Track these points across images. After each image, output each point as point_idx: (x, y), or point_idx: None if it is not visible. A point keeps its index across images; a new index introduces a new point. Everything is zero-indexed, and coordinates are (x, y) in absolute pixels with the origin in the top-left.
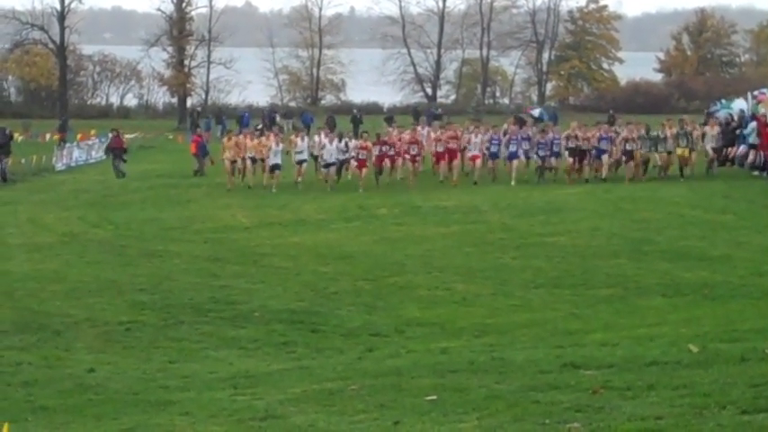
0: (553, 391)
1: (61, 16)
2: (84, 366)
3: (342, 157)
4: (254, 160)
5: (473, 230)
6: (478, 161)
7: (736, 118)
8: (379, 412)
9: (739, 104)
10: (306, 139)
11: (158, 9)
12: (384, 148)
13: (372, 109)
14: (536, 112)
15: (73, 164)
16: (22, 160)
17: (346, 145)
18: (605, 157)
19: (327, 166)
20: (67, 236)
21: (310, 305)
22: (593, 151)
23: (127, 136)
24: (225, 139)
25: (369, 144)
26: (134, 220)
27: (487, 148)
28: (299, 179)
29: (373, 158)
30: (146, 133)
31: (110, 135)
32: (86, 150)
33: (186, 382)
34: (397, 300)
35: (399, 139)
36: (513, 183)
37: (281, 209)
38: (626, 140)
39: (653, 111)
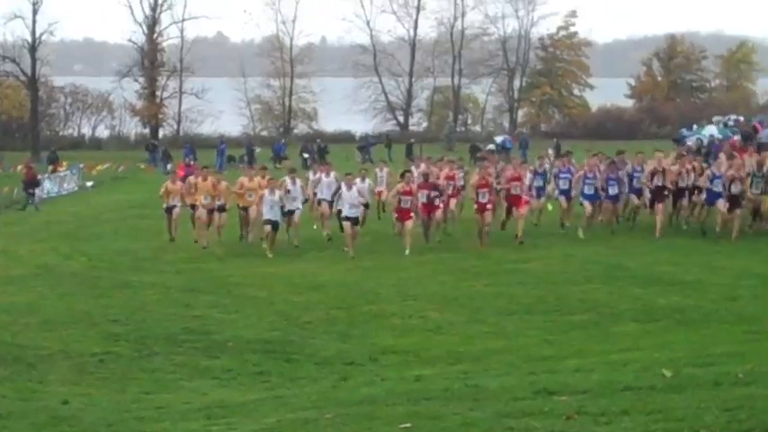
0: (527, 418)
1: (32, 48)
2: (59, 398)
3: (362, 203)
4: (221, 209)
5: (447, 258)
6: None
7: (705, 143)
8: None
9: (710, 130)
10: (297, 181)
11: (130, 40)
12: (432, 193)
13: (344, 137)
14: (499, 139)
15: (45, 196)
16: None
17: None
18: (721, 203)
19: (347, 219)
20: (40, 268)
21: (284, 334)
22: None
23: (98, 167)
24: (194, 178)
25: (412, 187)
26: (107, 251)
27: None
28: (294, 234)
29: (419, 206)
30: (118, 164)
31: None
32: (58, 182)
33: (161, 412)
34: (371, 328)
35: (446, 178)
36: (580, 234)
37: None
38: (732, 180)
39: (624, 137)
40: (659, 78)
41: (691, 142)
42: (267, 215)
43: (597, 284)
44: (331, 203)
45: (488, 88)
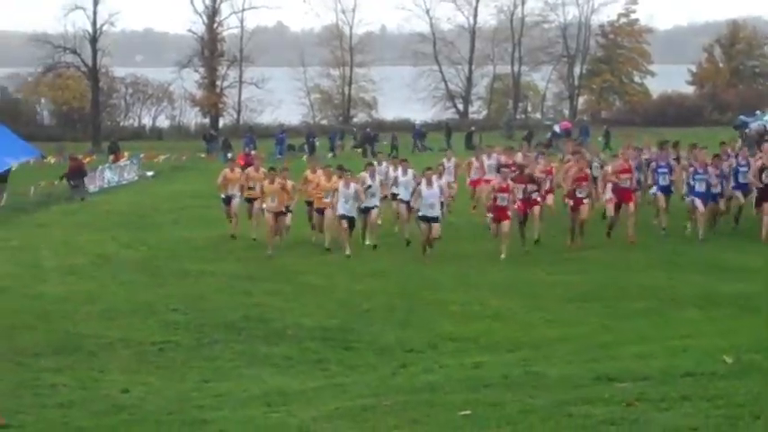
0: (587, 405)
1: (93, 39)
2: (119, 387)
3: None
4: (287, 210)
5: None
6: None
7: None
8: (413, 428)
9: None
10: (376, 176)
11: (190, 30)
12: (530, 187)
13: (404, 126)
14: (556, 127)
15: (105, 185)
16: (55, 182)
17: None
18: None
19: (427, 220)
20: (101, 257)
21: (343, 322)
22: None
23: (159, 157)
24: (254, 171)
25: (509, 183)
26: (166, 241)
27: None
28: (370, 234)
29: (517, 203)
30: (179, 154)
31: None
32: (118, 172)
33: (220, 400)
34: (431, 316)
35: (543, 172)
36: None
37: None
38: None
39: (685, 123)
40: (721, 65)
41: (756, 126)
42: (341, 210)
43: (658, 271)
44: (409, 204)
45: (548, 76)
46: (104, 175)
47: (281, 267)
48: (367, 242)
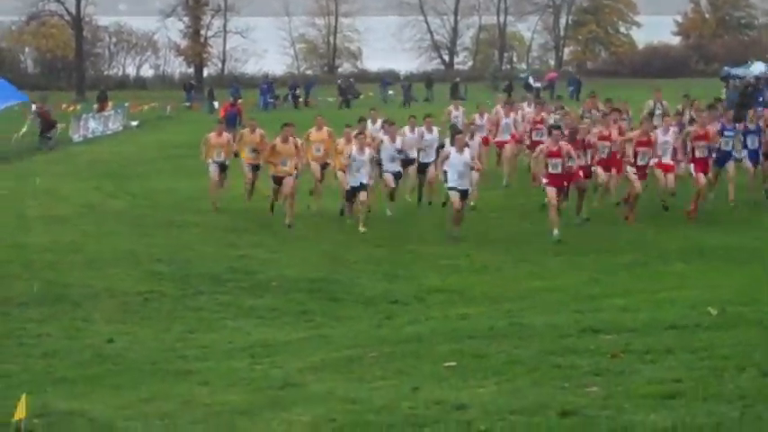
0: (572, 356)
1: None
2: (103, 337)
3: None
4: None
5: (493, 197)
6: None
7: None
8: (398, 378)
9: (759, 68)
10: (398, 139)
11: None
12: (581, 153)
13: (389, 76)
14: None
15: (90, 135)
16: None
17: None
18: None
19: (456, 191)
20: (85, 207)
21: (329, 274)
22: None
23: (144, 107)
24: (249, 133)
25: (561, 146)
26: (151, 191)
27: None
28: (389, 205)
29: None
30: (163, 104)
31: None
32: (103, 122)
33: (205, 351)
34: (417, 268)
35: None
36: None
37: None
38: None
39: (671, 75)
40: (707, 15)
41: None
42: (353, 181)
43: (645, 225)
44: (424, 169)
45: (534, 26)
46: (89, 125)
47: (266, 219)
48: (389, 212)
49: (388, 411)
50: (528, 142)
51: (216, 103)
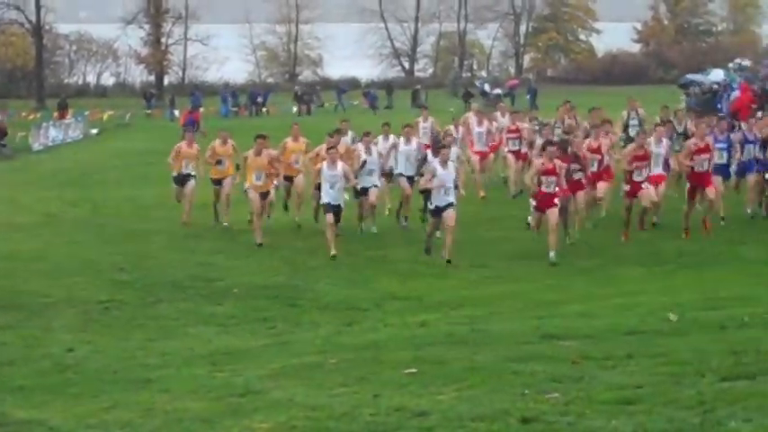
0: (532, 362)
1: None
2: (64, 346)
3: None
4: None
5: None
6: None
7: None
8: (359, 385)
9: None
10: (374, 149)
11: None
12: (573, 167)
13: (351, 84)
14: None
15: (50, 143)
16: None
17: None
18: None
19: (439, 211)
20: (45, 216)
21: (289, 280)
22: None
23: (104, 115)
24: (221, 145)
25: (556, 163)
26: (112, 199)
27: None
28: (367, 219)
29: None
30: (123, 111)
31: None
32: (63, 130)
33: (165, 359)
34: (376, 274)
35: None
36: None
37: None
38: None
39: (630, 82)
40: (666, 22)
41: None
42: (326, 198)
43: (603, 229)
44: (411, 180)
45: (494, 33)
46: (49, 133)
47: (226, 226)
48: (374, 229)
49: (349, 418)
50: (505, 151)
51: (176, 111)
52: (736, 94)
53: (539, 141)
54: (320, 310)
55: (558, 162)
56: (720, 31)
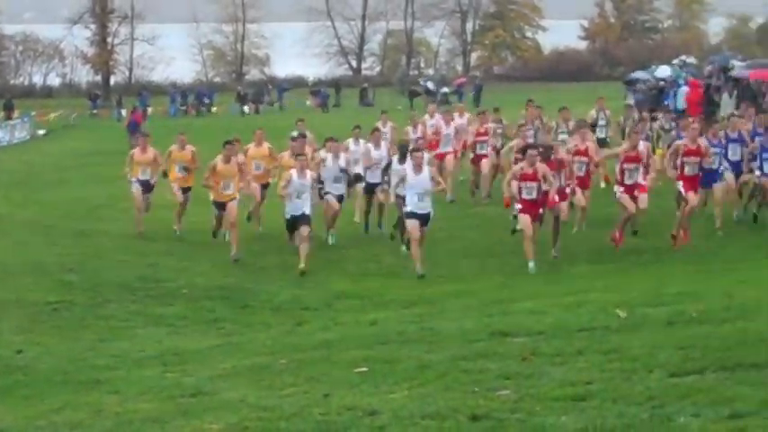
0: (482, 360)
1: None
2: (13, 347)
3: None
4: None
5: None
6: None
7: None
8: (310, 385)
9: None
10: (342, 155)
11: None
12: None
13: (298, 82)
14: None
15: None
16: None
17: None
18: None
19: (415, 217)
20: None
21: (239, 281)
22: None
23: (51, 115)
24: (179, 149)
25: (537, 169)
26: (60, 200)
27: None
28: (331, 231)
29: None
30: (70, 111)
31: None
32: (9, 130)
33: (115, 360)
34: (326, 274)
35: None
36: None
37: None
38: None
39: (577, 78)
40: (612, 19)
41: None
42: (292, 210)
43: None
44: (372, 190)
45: (441, 31)
46: None
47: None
48: (330, 240)
49: (300, 418)
50: (471, 155)
51: (124, 111)
52: (684, 89)
53: (513, 143)
54: (271, 310)
55: (541, 167)
56: (666, 27)
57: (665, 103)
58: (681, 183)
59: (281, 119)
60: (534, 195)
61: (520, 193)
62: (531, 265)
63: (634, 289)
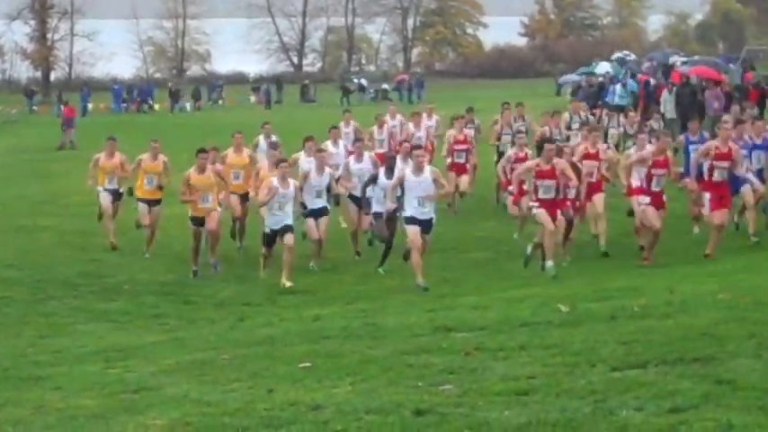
0: (426, 354)
1: None
2: None
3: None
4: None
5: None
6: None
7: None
8: (253, 381)
9: (604, 67)
10: (327, 170)
11: None
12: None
13: (238, 78)
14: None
15: None
16: None
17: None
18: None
19: (415, 222)
20: None
21: (181, 277)
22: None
23: None
24: (151, 160)
25: (555, 165)
26: (1, 196)
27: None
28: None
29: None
30: (9, 108)
31: None
32: None
33: (57, 356)
34: (270, 269)
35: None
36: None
37: None
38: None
39: (518, 75)
40: (552, 16)
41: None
42: (272, 224)
43: (494, 222)
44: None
45: (382, 28)
46: None
47: (117, 222)
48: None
49: (244, 413)
50: (448, 162)
51: (62, 107)
52: (632, 84)
53: (510, 153)
54: (214, 306)
55: (560, 163)
56: (606, 24)
57: (606, 99)
58: (707, 196)
59: (224, 116)
60: (552, 195)
61: (536, 191)
62: (548, 264)
63: (576, 284)
